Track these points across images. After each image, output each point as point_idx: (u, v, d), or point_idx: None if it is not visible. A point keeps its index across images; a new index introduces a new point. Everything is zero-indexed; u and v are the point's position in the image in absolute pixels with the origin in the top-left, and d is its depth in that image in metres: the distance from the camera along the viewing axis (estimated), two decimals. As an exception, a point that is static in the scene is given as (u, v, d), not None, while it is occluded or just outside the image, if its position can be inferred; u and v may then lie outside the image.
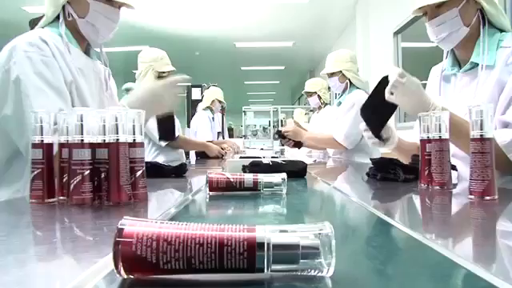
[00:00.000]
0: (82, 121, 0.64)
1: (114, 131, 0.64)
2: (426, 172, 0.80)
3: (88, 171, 0.64)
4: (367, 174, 1.03)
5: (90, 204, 0.64)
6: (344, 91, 2.30)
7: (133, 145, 0.67)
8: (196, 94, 5.38)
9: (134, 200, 0.66)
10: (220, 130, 3.82)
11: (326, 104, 3.27)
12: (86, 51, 1.12)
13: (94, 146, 0.65)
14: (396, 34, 4.22)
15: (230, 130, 10.07)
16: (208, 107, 3.71)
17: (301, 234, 0.30)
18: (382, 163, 0.99)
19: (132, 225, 0.30)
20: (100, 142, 0.65)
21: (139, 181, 0.68)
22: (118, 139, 0.64)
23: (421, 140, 0.82)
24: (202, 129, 3.53)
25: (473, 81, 1.06)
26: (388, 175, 0.95)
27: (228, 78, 9.63)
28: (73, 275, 0.32)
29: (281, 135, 2.24)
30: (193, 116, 4.06)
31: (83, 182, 0.64)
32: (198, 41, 7.06)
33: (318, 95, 3.23)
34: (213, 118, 3.71)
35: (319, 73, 3.54)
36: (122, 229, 0.30)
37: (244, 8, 5.64)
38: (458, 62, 1.14)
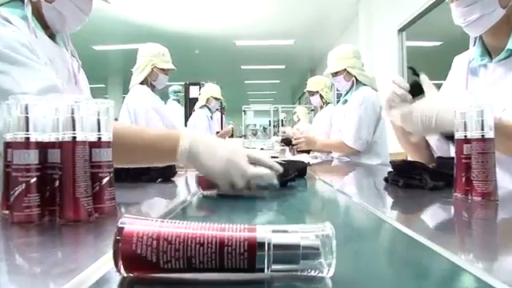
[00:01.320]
0: (26, 113, 0.50)
1: (69, 126, 0.49)
2: (464, 179, 0.68)
3: (35, 179, 0.49)
4: (385, 180, 0.90)
5: (37, 222, 0.49)
6: (350, 89, 2.22)
7: (97, 144, 0.53)
8: (194, 92, 5.34)
9: (98, 216, 0.52)
10: (219, 130, 3.78)
11: (329, 103, 3.25)
12: (52, 38, 0.98)
13: (42, 146, 0.51)
14: (400, 31, 4.17)
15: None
16: (205, 105, 3.63)
17: (301, 235, 0.30)
18: (404, 167, 0.86)
19: (132, 223, 0.31)
20: (53, 140, 0.51)
21: (105, 191, 0.53)
22: (74, 137, 0.49)
23: (457, 140, 0.70)
24: (197, 129, 3.45)
25: (509, 72, 0.94)
26: (412, 181, 0.82)
27: (228, 77, 9.64)
28: None
29: (288, 143, 2.19)
30: (190, 115, 4.00)
31: (27, 193, 0.49)
32: (198, 39, 7.07)
33: (320, 94, 3.21)
34: (211, 117, 3.64)
35: (320, 72, 3.54)
36: (122, 227, 0.30)
37: (244, 5, 5.64)
38: (488, 51, 1.00)
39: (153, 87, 2.38)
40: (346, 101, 2.26)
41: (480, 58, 1.00)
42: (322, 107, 3.26)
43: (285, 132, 5.67)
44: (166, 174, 1.03)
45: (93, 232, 0.49)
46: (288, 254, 0.29)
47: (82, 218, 0.50)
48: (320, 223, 0.31)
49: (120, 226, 0.30)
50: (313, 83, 3.28)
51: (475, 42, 1.01)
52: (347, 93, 2.26)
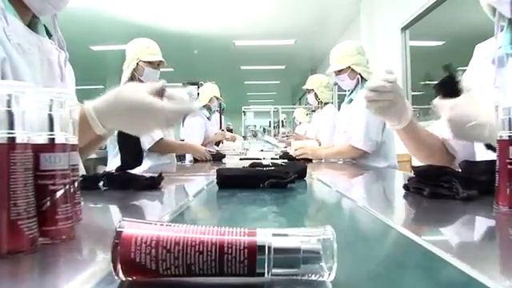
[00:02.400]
0: None
1: (4, 124, 0.37)
2: (509, 189, 0.58)
3: None
4: (405, 188, 0.78)
5: None
6: (355, 88, 2.12)
7: (47, 148, 0.42)
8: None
9: (48, 241, 0.41)
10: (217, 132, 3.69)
11: (326, 103, 3.23)
12: (32, 25, 0.88)
13: None
14: (404, 29, 4.14)
15: (229, 130, 10.08)
16: (205, 106, 3.53)
17: (302, 238, 0.30)
18: (430, 173, 0.74)
19: (130, 227, 0.31)
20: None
21: (58, 208, 0.42)
22: (12, 138, 0.37)
23: (500, 141, 0.59)
24: (193, 130, 3.30)
25: None
26: (441, 190, 0.70)
27: (227, 77, 9.65)
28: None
29: (289, 158, 2.06)
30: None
31: None
32: (197, 39, 7.07)
33: (315, 93, 3.20)
34: (208, 118, 3.54)
35: (321, 72, 3.53)
36: (121, 232, 0.30)
37: (244, 5, 5.65)
38: None
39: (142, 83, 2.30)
40: (351, 100, 2.15)
41: (510, 45, 0.89)
42: (318, 107, 3.27)
43: (285, 133, 5.66)
44: (154, 182, 0.92)
45: (38, 266, 0.37)
46: (288, 257, 0.29)
47: (22, 248, 0.37)
48: (321, 227, 0.31)
49: (118, 230, 0.30)
50: (310, 81, 3.29)
51: (502, 28, 0.90)
52: (352, 92, 2.17)
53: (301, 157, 2.04)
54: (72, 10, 5.53)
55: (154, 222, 0.32)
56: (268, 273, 0.29)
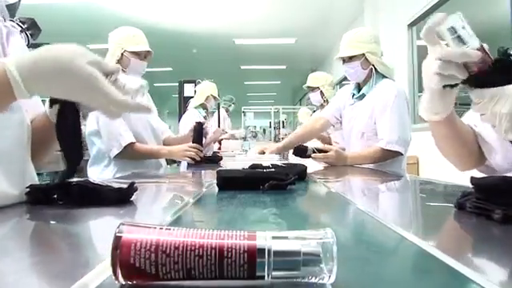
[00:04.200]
0: None
1: None
2: None
3: None
4: (459, 206, 0.61)
5: None
6: (366, 81, 1.89)
7: None
8: (189, 90, 5.04)
9: None
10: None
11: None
12: None
13: None
14: (410, 26, 4.07)
15: (229, 131, 10.10)
16: (201, 105, 3.40)
17: (302, 241, 0.31)
18: (501, 187, 0.56)
19: (130, 232, 0.31)
20: None
21: None
22: None
23: None
24: (186, 127, 3.05)
25: None
26: None
27: (227, 77, 9.67)
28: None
29: (304, 154, 1.77)
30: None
31: None
32: (196, 37, 7.09)
33: (321, 91, 3.12)
34: (205, 118, 3.40)
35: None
36: (120, 237, 0.31)
37: (243, 2, 5.66)
38: None
39: None
40: (363, 95, 1.89)
41: None
42: (322, 105, 3.17)
43: (286, 135, 5.60)
44: (124, 194, 0.73)
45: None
46: (288, 260, 0.30)
47: None
48: (321, 229, 0.32)
49: (118, 235, 0.31)
50: (314, 78, 3.20)
51: None
52: (361, 86, 1.92)
53: (322, 162, 1.81)
54: (68, 7, 5.55)
55: (153, 226, 0.32)
56: (268, 276, 0.30)
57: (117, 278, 0.31)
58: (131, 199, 0.74)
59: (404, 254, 0.45)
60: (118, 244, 0.30)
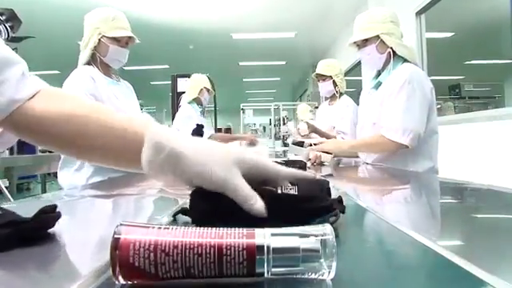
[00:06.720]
0: None
1: None
2: None
3: None
4: None
5: None
6: (384, 67, 1.70)
7: None
8: (182, 85, 4.93)
9: None
10: (213, 133, 3.50)
11: (342, 94, 2.82)
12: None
13: None
14: (419, 14, 3.83)
15: (228, 130, 10.10)
16: (195, 99, 3.22)
17: (301, 237, 0.32)
18: None
19: (129, 232, 0.32)
20: None
21: None
22: None
23: None
24: (185, 129, 2.93)
25: None
26: None
27: (225, 74, 9.65)
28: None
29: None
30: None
31: None
32: (192, 32, 7.07)
33: (334, 81, 2.78)
34: (202, 113, 3.26)
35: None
36: (119, 238, 0.32)
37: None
38: None
39: (106, 66, 1.77)
40: (379, 84, 1.72)
41: None
42: (334, 98, 2.87)
43: (287, 132, 5.55)
44: (42, 224, 0.46)
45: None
46: (288, 257, 0.31)
47: None
48: (320, 225, 0.33)
49: (116, 236, 0.32)
50: (326, 66, 2.81)
51: None
52: (379, 73, 1.74)
53: (320, 149, 1.67)
54: (61, 2, 5.52)
55: (152, 226, 0.33)
56: (268, 272, 0.31)
57: (117, 278, 0.32)
58: (47, 232, 0.47)
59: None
60: (117, 244, 0.31)
